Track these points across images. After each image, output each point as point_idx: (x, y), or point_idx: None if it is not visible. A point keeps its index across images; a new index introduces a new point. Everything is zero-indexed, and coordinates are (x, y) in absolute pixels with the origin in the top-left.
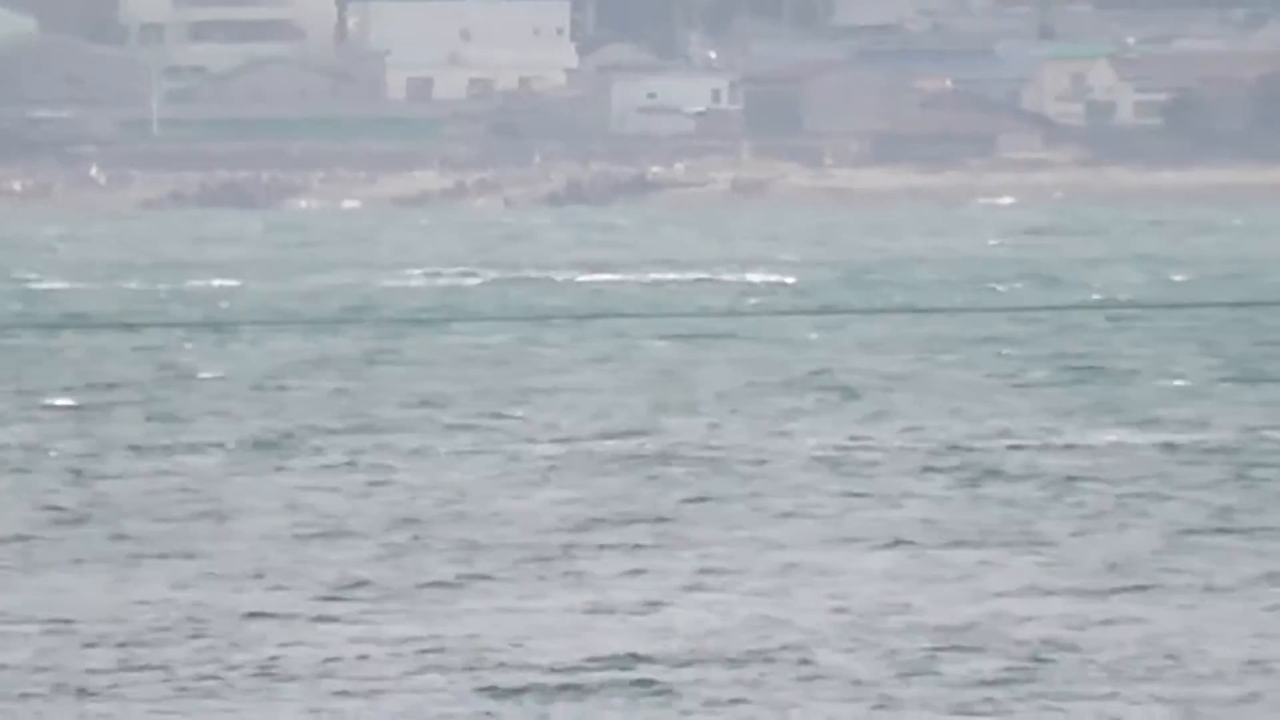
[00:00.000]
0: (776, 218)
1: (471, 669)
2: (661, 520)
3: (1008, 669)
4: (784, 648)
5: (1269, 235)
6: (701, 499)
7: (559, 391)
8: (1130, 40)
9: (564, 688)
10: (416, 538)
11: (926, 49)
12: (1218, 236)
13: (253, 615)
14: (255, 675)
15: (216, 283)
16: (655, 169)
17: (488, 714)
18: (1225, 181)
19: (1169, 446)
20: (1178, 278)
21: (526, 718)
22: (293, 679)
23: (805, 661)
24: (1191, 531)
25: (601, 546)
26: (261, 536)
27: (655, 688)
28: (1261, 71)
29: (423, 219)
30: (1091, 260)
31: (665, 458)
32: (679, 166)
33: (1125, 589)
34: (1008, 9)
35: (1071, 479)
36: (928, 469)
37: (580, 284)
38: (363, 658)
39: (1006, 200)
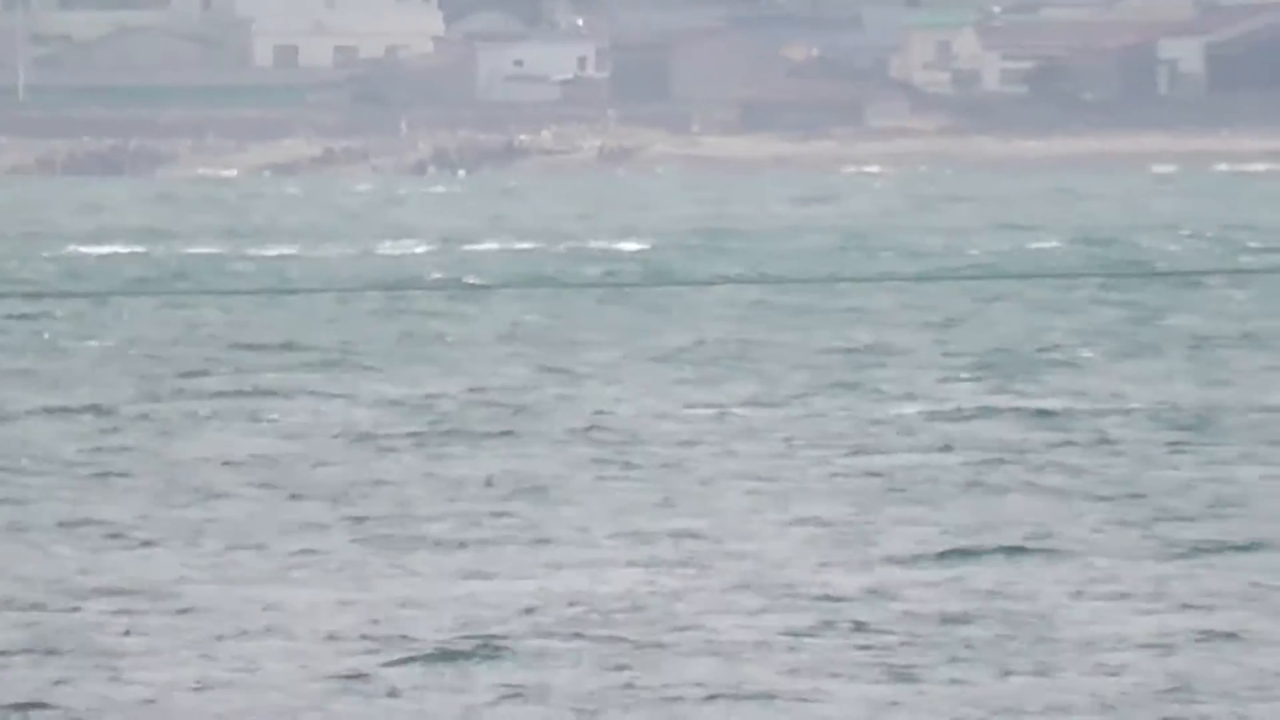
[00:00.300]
0: (643, 185)
1: (336, 639)
2: (540, 489)
3: (884, 635)
4: (663, 615)
5: (1131, 203)
6: (575, 468)
7: (420, 361)
8: (996, 9)
9: (435, 656)
10: (289, 499)
11: (794, 17)
12: (1084, 204)
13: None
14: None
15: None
16: (523, 137)
17: (357, 678)
18: (1090, 150)
19: (1042, 413)
20: (1041, 245)
21: (389, 690)
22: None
23: (681, 628)
24: (1063, 495)
25: (473, 516)
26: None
27: (530, 656)
28: (1126, 40)
29: (290, 187)
30: (959, 229)
31: (542, 426)
32: (546, 134)
33: (992, 553)
34: None
35: (948, 447)
36: (815, 437)
37: (453, 253)
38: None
39: (873, 169)
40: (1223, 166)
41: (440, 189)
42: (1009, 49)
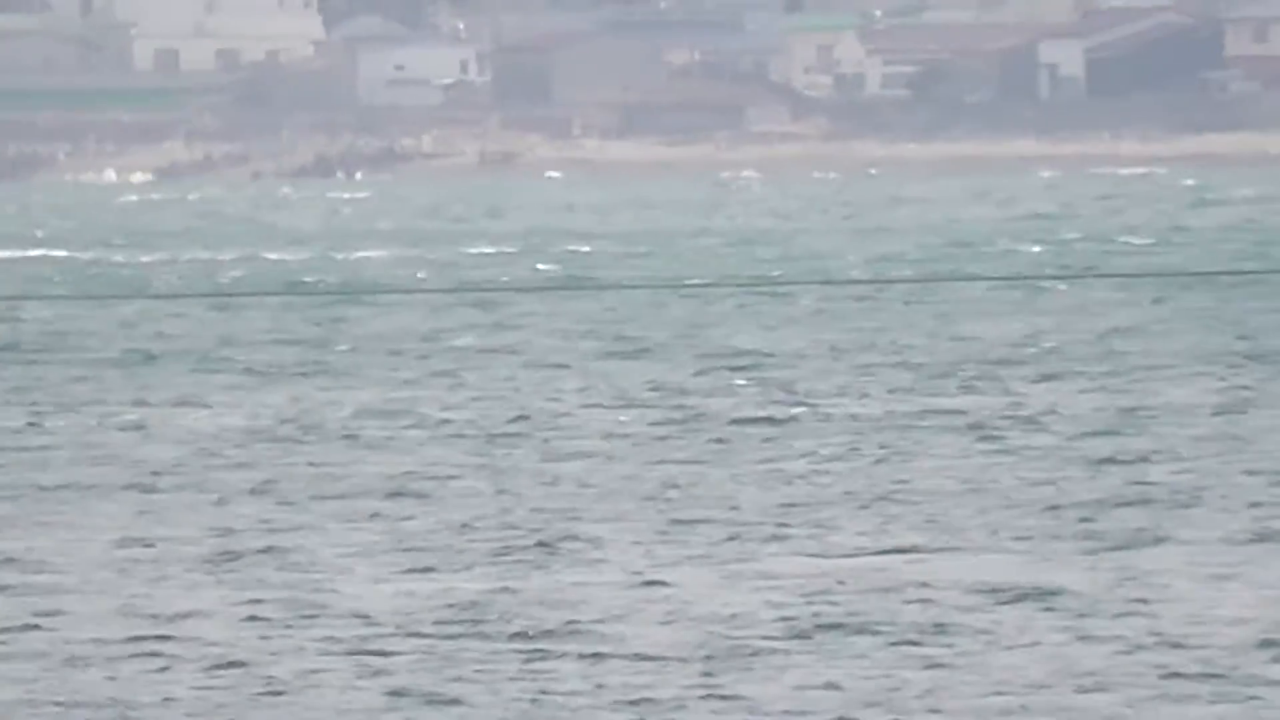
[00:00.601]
0: (523, 189)
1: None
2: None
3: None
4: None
5: (1008, 206)
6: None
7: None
8: (877, 12)
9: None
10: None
11: (675, 20)
12: (946, 209)
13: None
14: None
15: None
16: (404, 141)
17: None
18: (970, 154)
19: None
20: (896, 249)
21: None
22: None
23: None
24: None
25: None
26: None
27: (380, 657)
28: (1007, 43)
29: (171, 192)
30: (842, 232)
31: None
32: (427, 138)
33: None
34: None
35: (767, 438)
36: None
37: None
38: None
39: (751, 174)
40: (1103, 170)
41: (340, 194)
42: (890, 52)
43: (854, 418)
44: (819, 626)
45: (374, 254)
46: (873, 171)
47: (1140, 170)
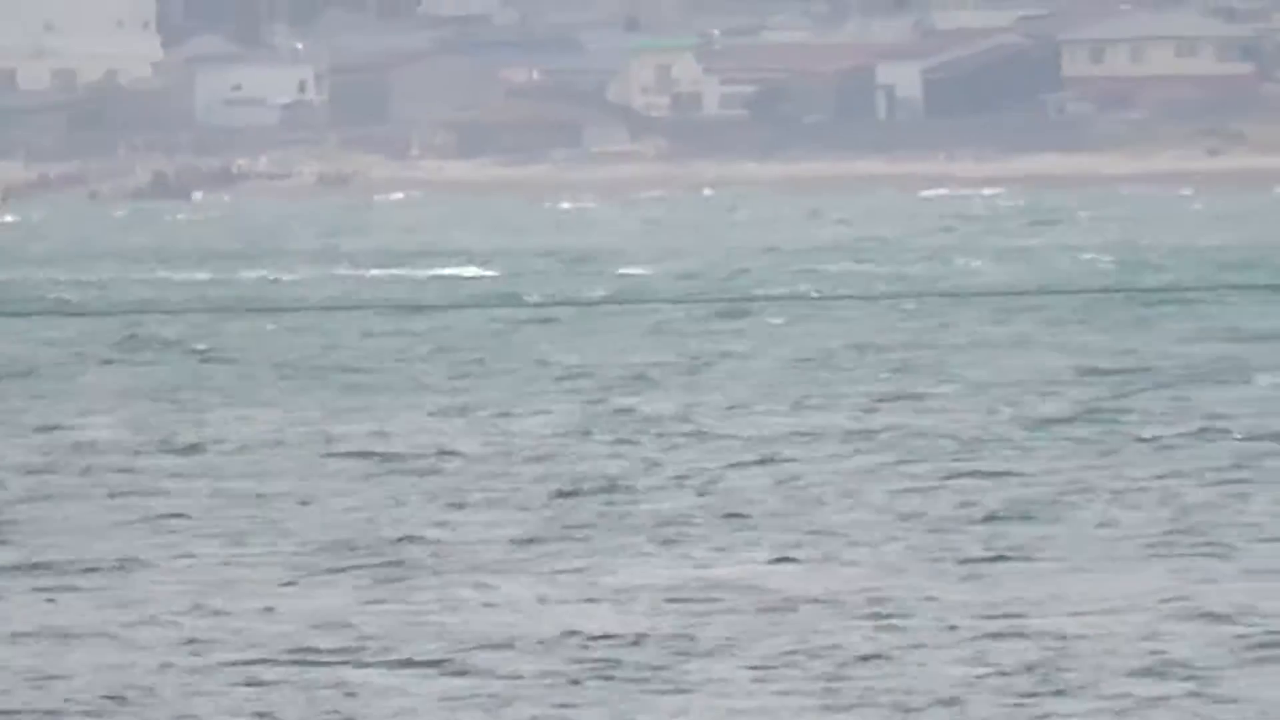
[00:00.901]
0: (363, 210)
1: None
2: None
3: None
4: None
5: (845, 226)
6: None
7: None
8: (716, 32)
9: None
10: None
11: (513, 40)
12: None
13: None
14: None
15: None
16: (241, 161)
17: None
18: (808, 174)
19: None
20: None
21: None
22: None
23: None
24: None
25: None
26: None
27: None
28: (845, 64)
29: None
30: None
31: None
32: (265, 158)
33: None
34: (594, 1)
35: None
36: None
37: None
38: None
39: (589, 197)
40: (942, 191)
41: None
42: (728, 73)
43: (707, 433)
44: (669, 639)
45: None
46: (707, 192)
47: (986, 191)
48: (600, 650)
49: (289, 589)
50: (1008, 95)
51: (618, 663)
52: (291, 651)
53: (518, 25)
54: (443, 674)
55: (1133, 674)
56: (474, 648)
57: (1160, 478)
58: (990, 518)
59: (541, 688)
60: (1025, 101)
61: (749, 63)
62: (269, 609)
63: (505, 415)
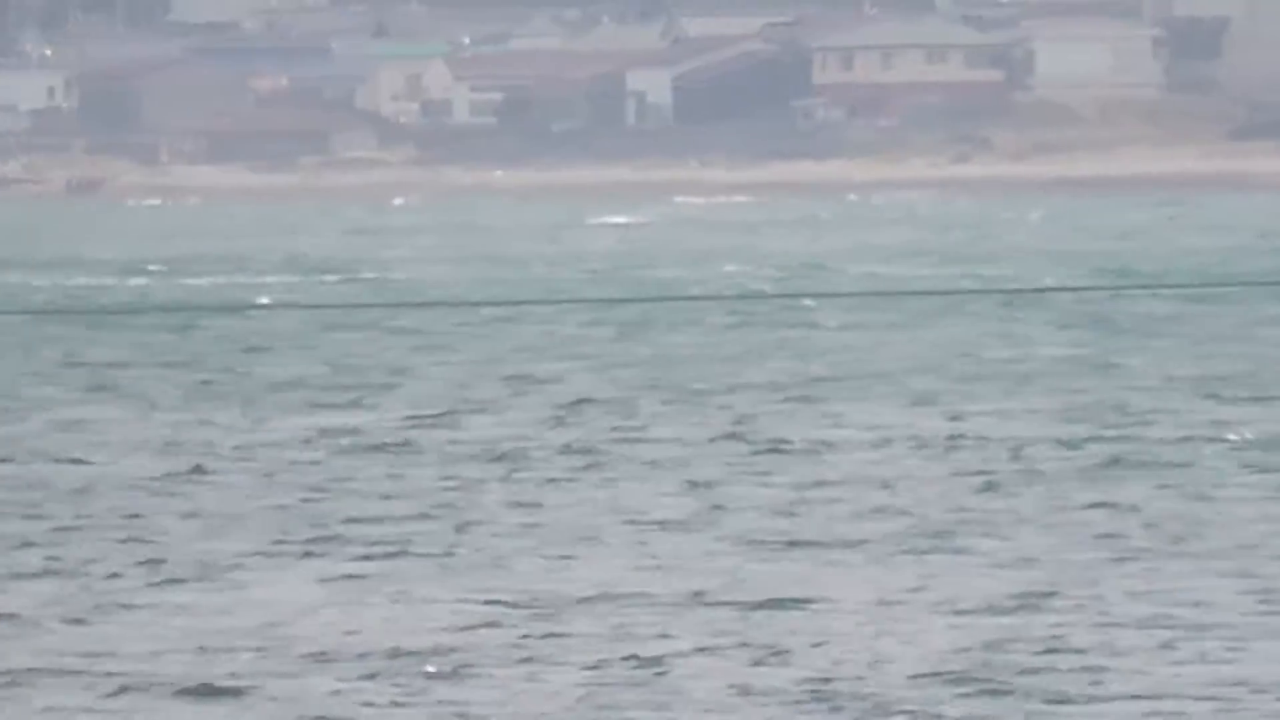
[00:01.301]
0: (111, 217)
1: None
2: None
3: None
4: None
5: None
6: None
7: None
8: (465, 40)
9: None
10: None
11: (263, 47)
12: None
13: None
14: None
15: None
16: None
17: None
18: (558, 181)
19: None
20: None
21: None
22: None
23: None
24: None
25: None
26: None
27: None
28: (595, 71)
29: None
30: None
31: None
32: (14, 165)
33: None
34: (344, 8)
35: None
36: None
37: None
38: None
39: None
40: (696, 198)
41: None
42: (478, 80)
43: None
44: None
45: None
46: (446, 201)
47: (739, 199)
48: None
49: None
50: (758, 102)
51: None
52: None
53: (267, 32)
54: None
55: None
56: None
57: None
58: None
59: None
60: (776, 108)
61: (499, 70)
62: None
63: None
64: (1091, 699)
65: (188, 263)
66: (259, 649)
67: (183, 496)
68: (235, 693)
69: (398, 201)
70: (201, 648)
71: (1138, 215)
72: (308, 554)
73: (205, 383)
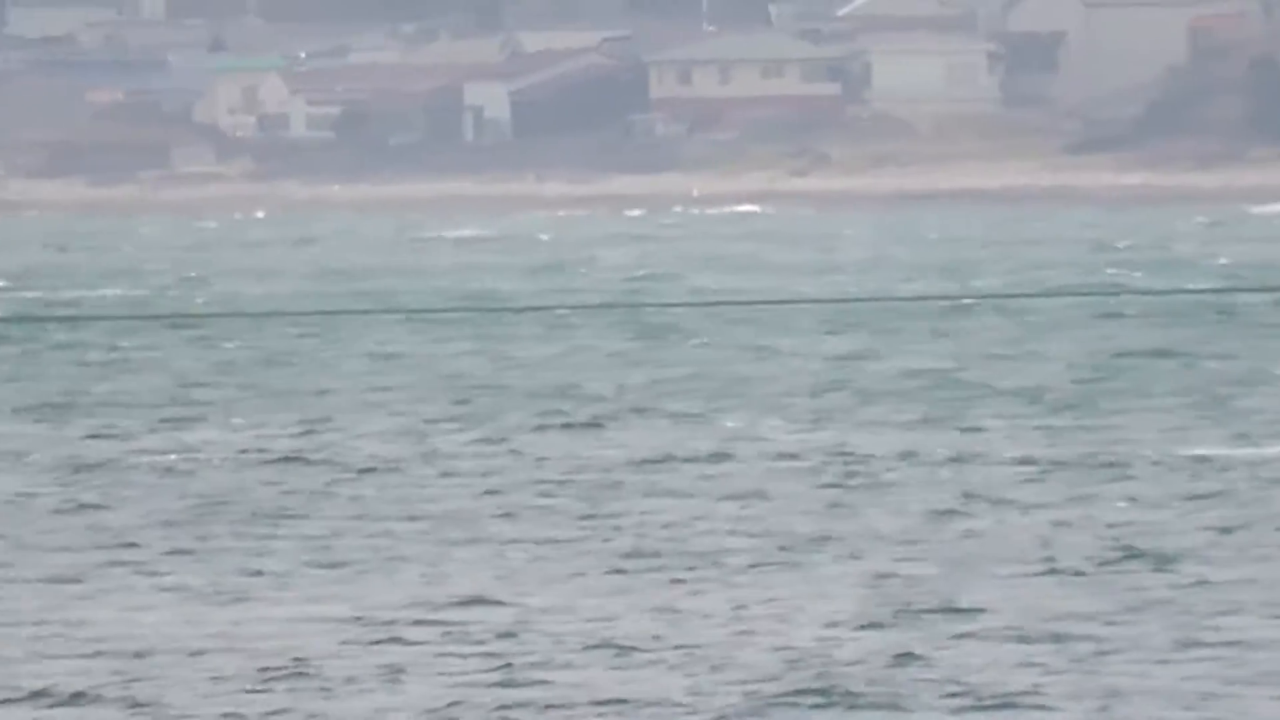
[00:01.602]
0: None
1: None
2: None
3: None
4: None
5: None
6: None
7: None
8: (302, 53)
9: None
10: None
11: (100, 60)
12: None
13: None
14: None
15: None
16: None
17: None
18: (394, 195)
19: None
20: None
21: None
22: None
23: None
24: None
25: None
26: None
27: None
28: (433, 84)
29: None
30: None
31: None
32: None
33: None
34: (180, 21)
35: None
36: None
37: None
38: None
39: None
40: (537, 212)
41: None
42: (315, 94)
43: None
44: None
45: None
46: (259, 214)
47: (580, 213)
48: None
49: None
50: (596, 116)
51: None
52: None
53: (104, 46)
54: None
55: None
56: None
57: None
58: None
59: None
60: (614, 122)
61: (336, 83)
62: None
63: None
64: None
65: None
66: None
67: None
68: None
69: (237, 216)
70: None
71: (969, 228)
72: None
73: None
